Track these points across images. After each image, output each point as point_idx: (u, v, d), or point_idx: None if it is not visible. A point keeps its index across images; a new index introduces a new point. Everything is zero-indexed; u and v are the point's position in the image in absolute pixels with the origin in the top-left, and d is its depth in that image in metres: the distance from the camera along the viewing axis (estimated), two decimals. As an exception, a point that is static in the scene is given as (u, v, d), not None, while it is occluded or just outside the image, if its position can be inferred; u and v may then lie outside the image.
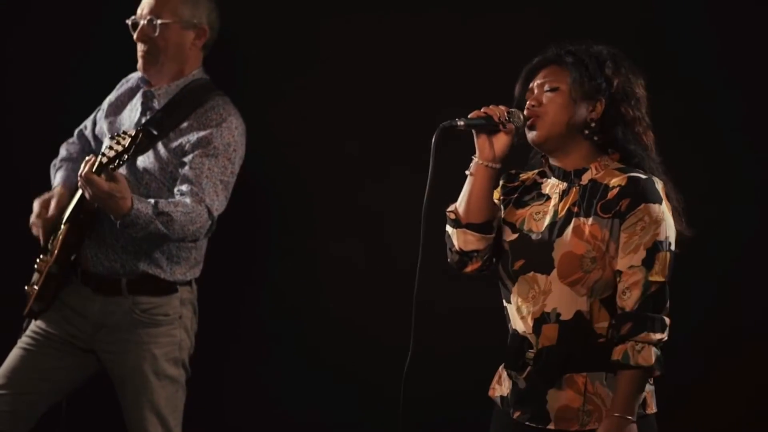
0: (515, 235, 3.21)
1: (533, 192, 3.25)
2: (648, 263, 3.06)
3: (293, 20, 4.67)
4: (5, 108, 4.90)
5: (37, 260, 4.24)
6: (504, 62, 4.16)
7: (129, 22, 4.21)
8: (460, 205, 3.23)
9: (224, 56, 4.50)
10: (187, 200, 4.02)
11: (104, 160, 3.85)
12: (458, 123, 3.16)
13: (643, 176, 3.11)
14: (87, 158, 3.94)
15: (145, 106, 4.20)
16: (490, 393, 3.29)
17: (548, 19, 4.36)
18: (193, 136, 4.10)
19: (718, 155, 4.26)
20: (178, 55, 4.20)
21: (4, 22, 4.88)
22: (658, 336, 3.05)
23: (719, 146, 4.27)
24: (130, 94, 4.30)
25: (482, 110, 3.19)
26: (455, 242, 3.24)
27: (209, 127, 4.12)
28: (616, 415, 3.04)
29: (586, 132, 3.17)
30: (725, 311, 4.24)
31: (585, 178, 3.16)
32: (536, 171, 3.28)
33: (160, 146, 4.12)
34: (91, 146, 4.39)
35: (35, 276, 4.24)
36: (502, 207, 3.26)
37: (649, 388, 3.16)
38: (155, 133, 4.11)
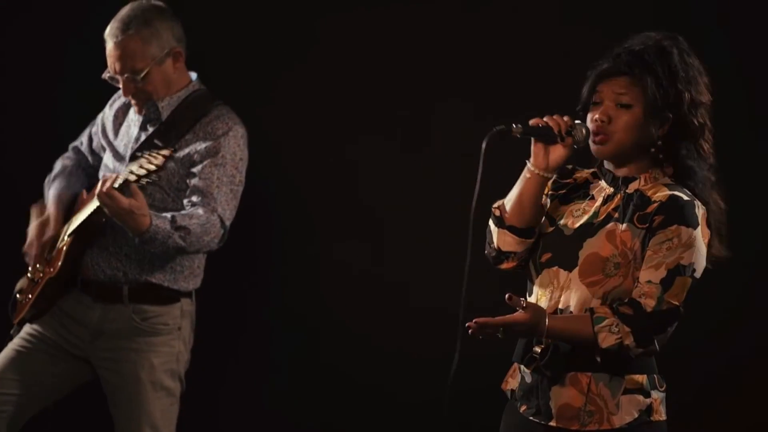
0: (551, 229, 3.21)
1: (581, 191, 3.24)
2: (666, 283, 3.04)
3: (289, 19, 4.68)
4: None
5: (30, 268, 4.24)
6: (509, 56, 4.12)
7: (106, 77, 4.21)
8: (505, 203, 3.22)
9: (219, 58, 4.57)
10: (200, 211, 4.05)
11: (132, 177, 3.87)
12: (513, 129, 3.13)
13: (686, 197, 3.08)
14: (106, 176, 3.97)
15: (147, 119, 4.21)
16: (503, 386, 3.28)
17: (551, 6, 4.36)
18: (201, 147, 4.12)
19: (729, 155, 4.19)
20: (167, 85, 4.20)
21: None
22: (633, 346, 3.03)
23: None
24: (124, 110, 4.33)
25: (544, 118, 3.15)
26: (495, 240, 3.24)
27: (216, 137, 4.13)
28: (546, 317, 3.03)
29: (653, 150, 3.14)
30: (741, 316, 4.20)
31: (632, 187, 3.16)
32: (591, 170, 3.28)
33: None
34: (88, 161, 4.42)
35: (26, 283, 4.24)
36: (548, 201, 3.26)
37: (659, 395, 3.14)
38: (160, 144, 4.12)
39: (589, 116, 3.16)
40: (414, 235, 4.49)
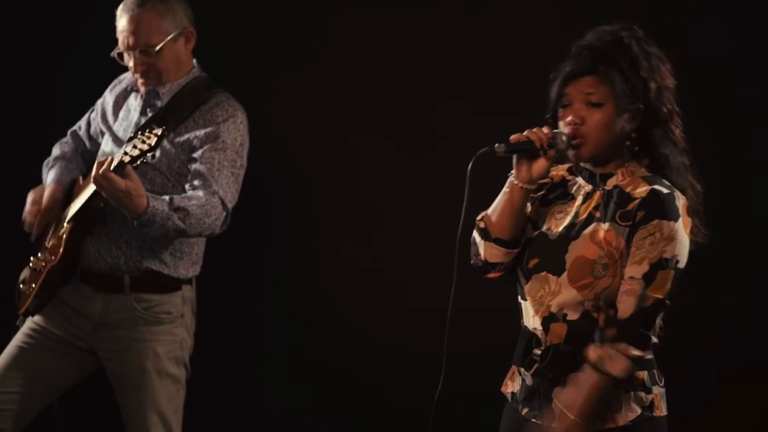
0: (535, 233, 3.21)
1: (560, 190, 3.24)
2: (648, 278, 3.04)
3: (294, 17, 4.67)
4: (1, 106, 4.90)
5: (32, 258, 4.23)
6: (512, 55, 4.11)
7: (115, 54, 4.18)
8: (490, 216, 3.21)
9: (222, 52, 4.54)
10: (200, 193, 4.02)
11: (126, 158, 3.82)
12: (497, 150, 3.12)
13: (666, 190, 3.09)
14: (100, 158, 3.94)
15: (147, 104, 4.20)
16: (502, 389, 3.30)
17: (552, 7, 4.35)
18: (201, 132, 4.11)
19: (730, 153, 4.25)
20: (177, 65, 4.19)
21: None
22: (636, 352, 3.04)
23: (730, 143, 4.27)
24: (125, 95, 4.30)
25: (525, 133, 3.14)
26: (482, 252, 3.24)
27: (216, 123, 4.12)
28: (573, 417, 3.05)
29: (628, 143, 3.15)
30: (743, 313, 4.21)
31: (610, 183, 3.16)
32: (567, 166, 3.26)
33: (165, 142, 4.11)
34: (85, 146, 4.41)
35: (28, 273, 4.24)
36: (528, 204, 3.24)
37: (659, 390, 3.15)
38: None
39: (561, 122, 3.16)
40: (415, 233, 4.51)
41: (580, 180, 3.20)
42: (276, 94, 4.66)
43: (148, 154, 3.81)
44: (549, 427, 3.15)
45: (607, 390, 3.04)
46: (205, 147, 4.08)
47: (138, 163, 3.82)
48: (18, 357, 4.17)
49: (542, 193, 3.24)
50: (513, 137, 3.14)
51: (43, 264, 4.18)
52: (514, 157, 3.15)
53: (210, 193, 4.02)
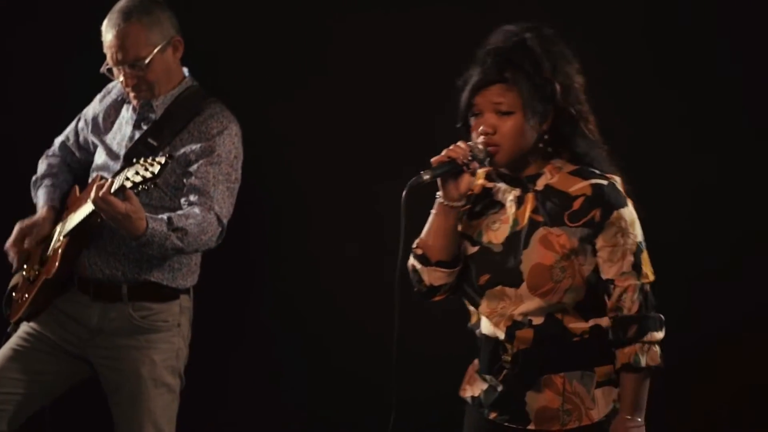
0: (475, 248, 3.18)
1: (485, 200, 3.21)
2: (637, 267, 3.09)
3: (292, 20, 4.68)
4: (5, 109, 4.92)
5: (25, 266, 4.23)
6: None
7: (104, 70, 4.13)
8: (426, 241, 3.19)
9: (221, 57, 4.56)
10: (197, 210, 4.00)
11: (128, 184, 3.79)
12: (424, 178, 3.10)
13: (604, 181, 3.09)
14: (98, 179, 3.95)
15: (141, 117, 4.16)
16: (461, 393, 3.29)
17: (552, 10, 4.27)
18: (196, 146, 4.08)
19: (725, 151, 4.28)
20: (168, 75, 4.14)
21: (4, 23, 4.91)
22: (660, 334, 3.10)
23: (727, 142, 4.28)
24: (116, 106, 4.27)
25: (444, 154, 3.12)
26: (425, 279, 3.22)
27: (211, 135, 4.08)
28: (627, 417, 3.08)
29: (541, 145, 3.12)
30: (711, 309, 4.28)
31: (540, 183, 3.13)
32: (483, 174, 3.23)
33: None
34: (75, 156, 4.39)
35: (20, 281, 4.24)
36: None
37: None
38: (155, 144, 4.08)
39: (473, 132, 3.12)
40: (415, 234, 4.50)
41: (502, 185, 3.17)
42: (272, 99, 4.67)
43: (150, 182, 3.78)
44: (525, 430, 3.14)
45: (648, 381, 3.08)
46: (201, 161, 4.04)
47: (138, 189, 3.79)
48: (14, 359, 4.17)
49: (468, 206, 3.20)
50: (434, 160, 3.12)
51: (37, 274, 4.18)
52: (439, 179, 3.12)
53: (206, 210, 4.00)
